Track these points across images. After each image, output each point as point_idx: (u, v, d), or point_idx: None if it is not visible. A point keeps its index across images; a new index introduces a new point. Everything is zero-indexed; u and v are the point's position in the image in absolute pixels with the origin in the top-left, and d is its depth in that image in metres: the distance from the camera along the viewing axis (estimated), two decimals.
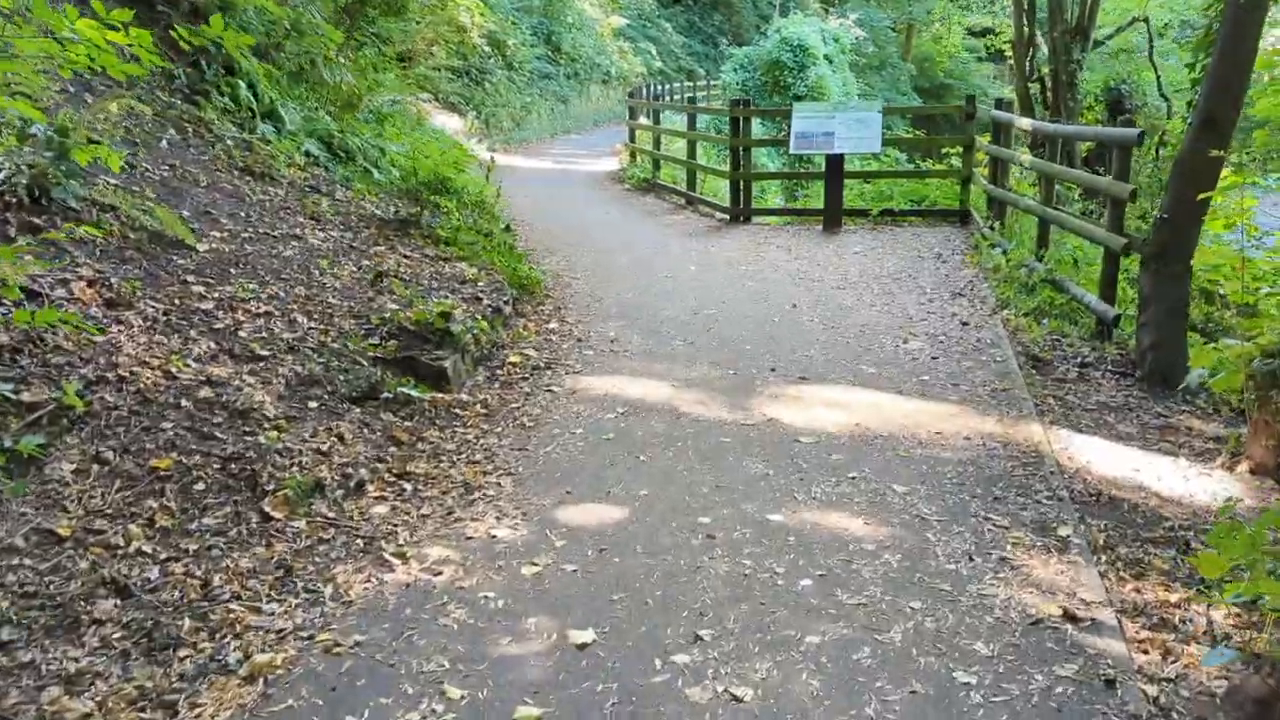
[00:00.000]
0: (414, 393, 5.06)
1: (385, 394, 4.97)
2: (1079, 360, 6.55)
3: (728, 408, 5.39)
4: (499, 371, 5.92)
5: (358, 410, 4.79)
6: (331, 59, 9.70)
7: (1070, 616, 3.30)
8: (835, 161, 11.42)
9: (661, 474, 4.49)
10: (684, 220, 12.49)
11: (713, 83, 32.83)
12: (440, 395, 5.23)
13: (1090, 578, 3.56)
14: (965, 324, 7.16)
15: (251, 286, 5.41)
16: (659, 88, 28.22)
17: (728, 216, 12.35)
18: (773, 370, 6.07)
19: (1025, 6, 12.24)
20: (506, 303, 6.95)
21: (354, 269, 6.28)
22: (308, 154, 8.85)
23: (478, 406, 5.27)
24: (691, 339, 6.79)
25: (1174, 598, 3.48)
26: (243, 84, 8.30)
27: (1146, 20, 13.73)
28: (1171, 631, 3.28)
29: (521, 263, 8.24)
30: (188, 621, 3.17)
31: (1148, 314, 6.39)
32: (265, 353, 4.86)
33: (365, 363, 5.13)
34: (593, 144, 24.28)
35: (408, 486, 4.28)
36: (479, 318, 6.23)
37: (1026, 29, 12.06)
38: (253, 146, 7.74)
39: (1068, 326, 7.27)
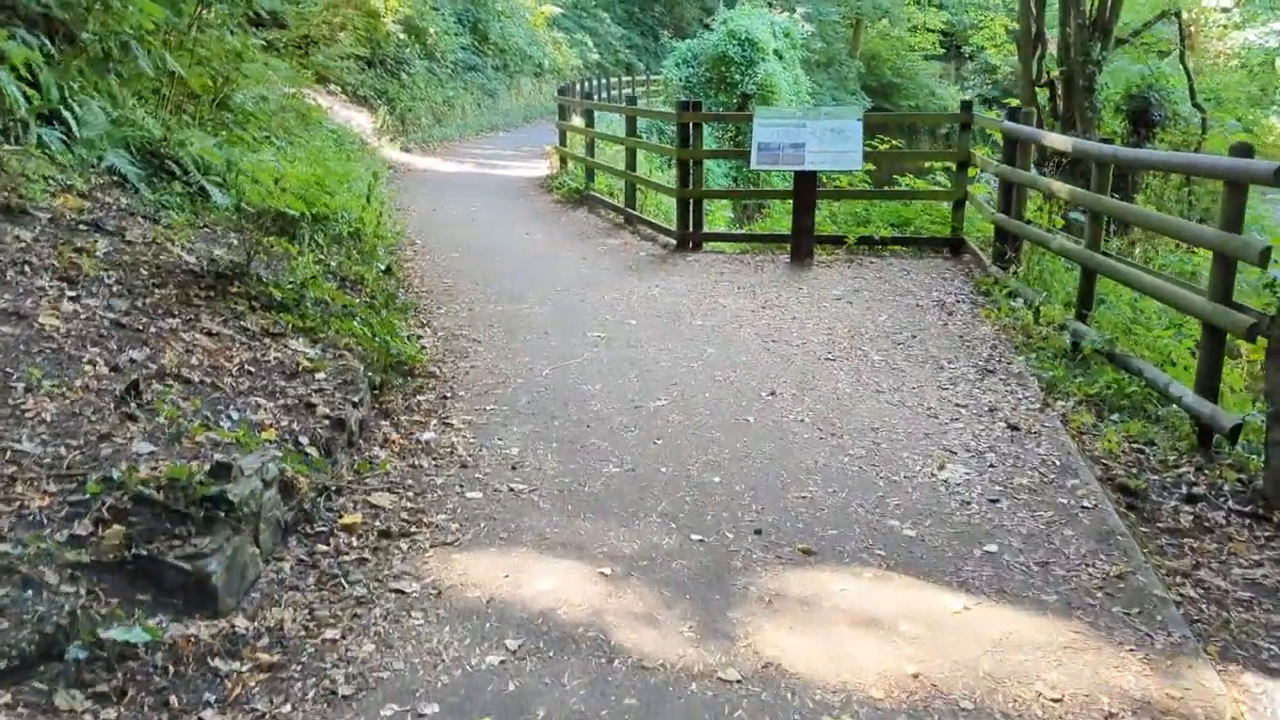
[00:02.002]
0: (138, 637, 2.82)
1: (77, 650, 2.72)
2: (1185, 491, 4.55)
3: (693, 632, 3.23)
4: (322, 548, 3.67)
5: (5, 700, 2.53)
6: (152, 41, 7.31)
7: None
8: (806, 180, 9.35)
9: None
10: (622, 246, 10.33)
11: (653, 77, 30.70)
12: (193, 631, 2.98)
13: None
14: (1014, 428, 5.11)
15: None
16: (594, 82, 25.99)
17: (675, 242, 10.23)
18: (758, 533, 3.92)
19: None
20: (359, 403, 4.71)
21: (100, 371, 3.97)
22: (111, 170, 6.49)
23: (260, 647, 3.02)
24: (632, 460, 4.62)
25: None
26: (4, 73, 5.91)
27: (1178, 15, 11.81)
28: None
29: (398, 327, 5.98)
30: None
31: None
32: None
33: (52, 579, 2.87)
34: (522, 142, 21.98)
35: None
36: (301, 445, 3.99)
37: (1035, 23, 10.10)
38: (2, 163, 5.38)
39: (1150, 427, 5.28)
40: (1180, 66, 11.59)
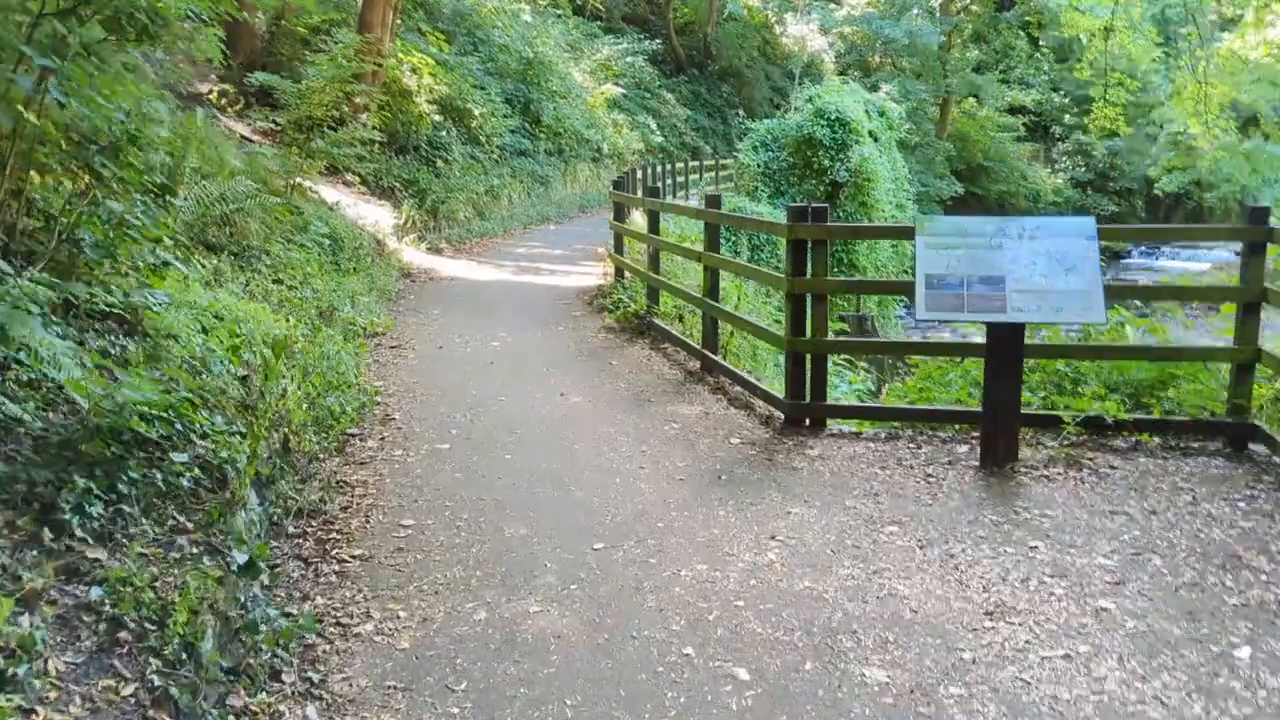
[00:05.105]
0: None
1: None
2: None
3: None
4: None
5: None
6: None
7: None
8: (1009, 337, 5.72)
9: None
10: (701, 418, 6.77)
11: (723, 161, 27.57)
12: None
13: None
14: None
15: None
16: (658, 169, 22.79)
17: (783, 416, 6.65)
18: None
19: None
20: None
21: None
22: None
23: None
24: None
25: None
26: None
27: None
28: None
29: None
30: None
31: None
32: None
33: None
34: (575, 238, 18.71)
35: None
36: None
37: None
38: None
39: None
40: None
